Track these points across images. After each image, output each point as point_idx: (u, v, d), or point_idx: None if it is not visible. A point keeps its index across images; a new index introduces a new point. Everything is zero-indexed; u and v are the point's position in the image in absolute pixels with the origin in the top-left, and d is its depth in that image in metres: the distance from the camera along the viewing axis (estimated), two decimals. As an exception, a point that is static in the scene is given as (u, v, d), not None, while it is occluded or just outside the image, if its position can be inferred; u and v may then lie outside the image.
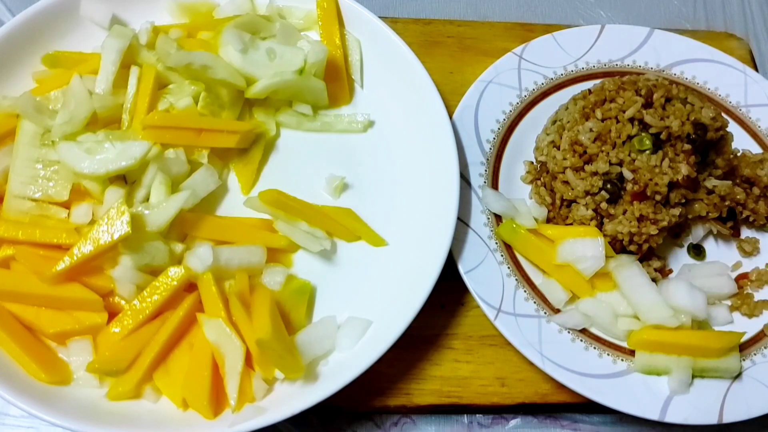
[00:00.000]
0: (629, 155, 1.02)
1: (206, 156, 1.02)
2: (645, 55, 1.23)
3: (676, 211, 1.01)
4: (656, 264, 1.06)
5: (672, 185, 1.00)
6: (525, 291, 1.03)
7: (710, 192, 1.06)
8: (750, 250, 1.10)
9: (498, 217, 1.07)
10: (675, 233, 1.09)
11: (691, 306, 0.97)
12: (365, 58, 1.15)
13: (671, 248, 1.11)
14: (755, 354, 1.02)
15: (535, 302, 1.02)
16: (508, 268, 1.04)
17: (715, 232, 1.10)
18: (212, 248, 0.94)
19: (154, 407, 0.90)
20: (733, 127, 1.14)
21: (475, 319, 1.05)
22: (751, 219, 1.09)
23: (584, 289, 1.02)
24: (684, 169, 1.00)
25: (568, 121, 1.09)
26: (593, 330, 1.01)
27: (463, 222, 1.05)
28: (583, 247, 1.00)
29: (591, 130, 1.04)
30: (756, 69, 1.29)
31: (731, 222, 1.10)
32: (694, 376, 0.97)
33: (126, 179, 0.99)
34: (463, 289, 1.02)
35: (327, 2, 1.12)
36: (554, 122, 1.14)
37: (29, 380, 0.88)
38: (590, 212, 1.03)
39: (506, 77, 1.17)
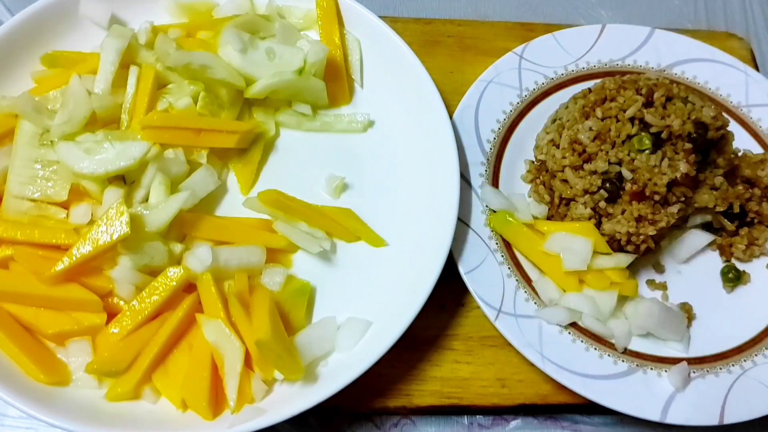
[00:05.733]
0: (628, 155, 1.02)
1: (205, 156, 1.02)
2: (646, 54, 1.22)
3: (675, 209, 1.00)
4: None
5: (671, 184, 1.00)
6: (525, 292, 1.03)
7: (715, 188, 1.06)
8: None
9: (498, 218, 1.07)
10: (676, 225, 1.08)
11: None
12: (365, 57, 1.15)
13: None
14: (756, 354, 1.01)
15: (535, 303, 1.02)
16: (509, 268, 1.04)
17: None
18: (211, 248, 0.94)
19: (153, 408, 0.90)
20: (734, 128, 1.14)
21: (475, 319, 1.05)
22: (756, 221, 1.09)
23: (571, 284, 1.01)
24: (683, 167, 0.99)
25: (568, 120, 1.09)
26: (593, 330, 1.01)
27: (463, 222, 1.04)
28: (571, 241, 1.00)
29: (591, 129, 1.04)
30: (757, 69, 1.29)
31: (737, 221, 1.09)
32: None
33: (125, 179, 0.98)
34: (463, 290, 1.02)
35: (327, 2, 1.12)
36: (554, 121, 1.14)
37: (28, 381, 0.88)
38: (589, 211, 1.03)
39: (507, 77, 1.16)
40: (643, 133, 1.02)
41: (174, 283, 0.91)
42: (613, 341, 1.01)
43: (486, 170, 1.10)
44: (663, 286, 1.07)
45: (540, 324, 1.00)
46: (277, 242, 1.00)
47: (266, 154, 1.10)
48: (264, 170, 1.09)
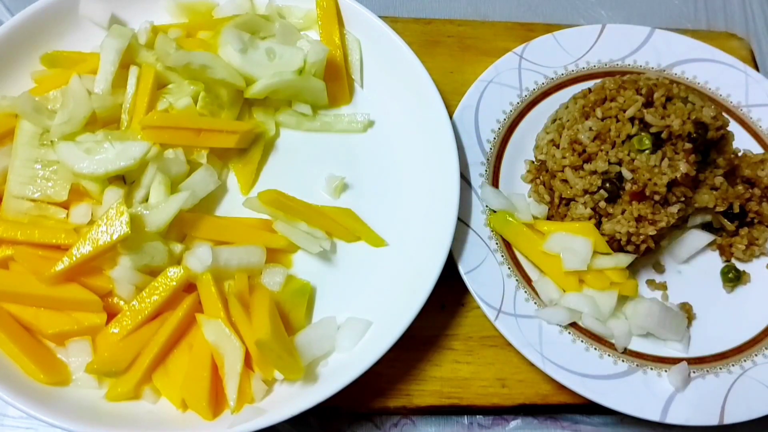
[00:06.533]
0: (628, 155, 1.02)
1: (205, 156, 1.02)
2: (646, 54, 1.22)
3: (675, 209, 1.00)
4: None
5: (671, 184, 1.00)
6: (525, 291, 1.03)
7: (715, 188, 1.06)
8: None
9: (498, 218, 1.07)
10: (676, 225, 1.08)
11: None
12: (365, 57, 1.15)
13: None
14: (756, 354, 1.01)
15: (535, 303, 1.02)
16: (509, 268, 1.04)
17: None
18: (211, 248, 0.94)
19: (153, 408, 0.90)
20: (734, 128, 1.14)
21: (475, 319, 1.05)
22: (756, 221, 1.09)
23: (571, 284, 1.01)
24: (683, 167, 0.99)
25: (568, 120, 1.09)
26: (593, 330, 1.01)
27: (463, 222, 1.04)
28: (571, 241, 1.00)
29: (590, 129, 1.04)
30: (757, 69, 1.29)
31: (737, 221, 1.09)
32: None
33: (125, 179, 0.98)
34: (463, 290, 1.02)
35: (327, 2, 1.12)
36: (554, 121, 1.14)
37: (28, 381, 0.88)
38: (589, 211, 1.03)
39: (507, 77, 1.16)
40: (643, 133, 1.02)
41: (174, 283, 0.91)
42: (613, 341, 1.01)
43: (486, 170, 1.10)
44: (663, 286, 1.07)
45: (540, 324, 1.00)
46: (277, 242, 1.00)
47: (266, 154, 1.10)
48: (264, 170, 1.09)
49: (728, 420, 0.95)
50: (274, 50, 1.08)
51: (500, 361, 1.03)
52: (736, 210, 1.07)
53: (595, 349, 0.99)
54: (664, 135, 1.02)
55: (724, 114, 1.09)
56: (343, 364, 0.93)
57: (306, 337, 0.94)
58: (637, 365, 0.99)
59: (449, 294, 1.05)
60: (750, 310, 1.06)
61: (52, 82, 1.03)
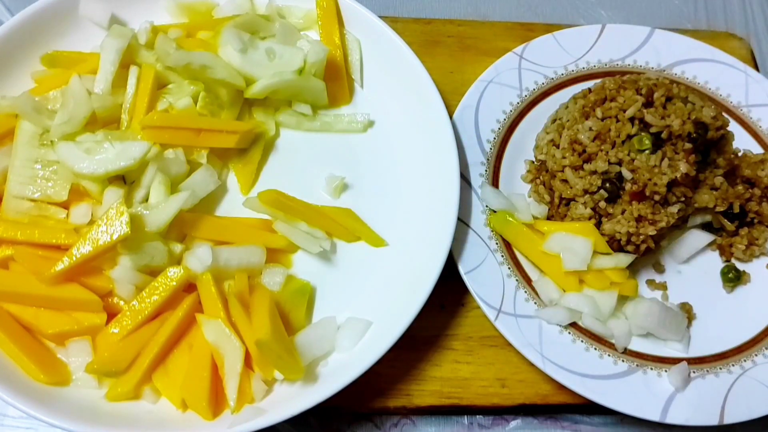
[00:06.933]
0: (628, 155, 1.02)
1: (205, 156, 1.02)
2: (646, 54, 1.22)
3: (674, 209, 1.00)
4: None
5: (671, 184, 1.00)
6: (525, 292, 1.03)
7: (715, 188, 1.06)
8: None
9: (498, 218, 1.07)
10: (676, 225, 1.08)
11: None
12: (365, 57, 1.15)
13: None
14: (756, 354, 1.01)
15: (535, 303, 1.02)
16: (509, 268, 1.04)
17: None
18: (211, 248, 0.94)
19: (153, 408, 0.90)
20: (734, 128, 1.14)
21: (475, 319, 1.05)
22: (756, 221, 1.09)
23: (571, 284, 1.01)
24: (683, 167, 0.99)
25: (568, 120, 1.09)
26: (593, 330, 1.01)
27: (463, 222, 1.04)
28: (571, 241, 1.01)
29: (590, 129, 1.04)
30: (757, 69, 1.29)
31: (737, 221, 1.09)
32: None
33: (125, 179, 0.98)
34: (463, 290, 1.02)
35: (327, 2, 1.12)
36: (554, 121, 1.14)
37: (28, 381, 0.88)
38: (588, 211, 1.03)
39: (507, 77, 1.16)
40: (643, 133, 1.02)
41: (174, 283, 0.91)
42: (613, 341, 1.01)
43: (486, 170, 1.10)
44: (663, 286, 1.07)
45: (540, 324, 1.00)
46: (277, 242, 1.00)
47: (266, 154, 1.10)
48: (264, 170, 1.09)
49: (728, 420, 0.95)
50: (274, 50, 1.08)
51: (500, 361, 1.03)
52: (736, 210, 1.07)
53: (595, 349, 0.99)
54: (664, 135, 1.02)
55: (724, 114, 1.09)
56: (343, 364, 0.93)
57: (306, 337, 0.94)
58: (637, 365, 0.99)
59: (449, 294, 1.05)
60: (750, 310, 1.06)
61: (52, 82, 1.03)
